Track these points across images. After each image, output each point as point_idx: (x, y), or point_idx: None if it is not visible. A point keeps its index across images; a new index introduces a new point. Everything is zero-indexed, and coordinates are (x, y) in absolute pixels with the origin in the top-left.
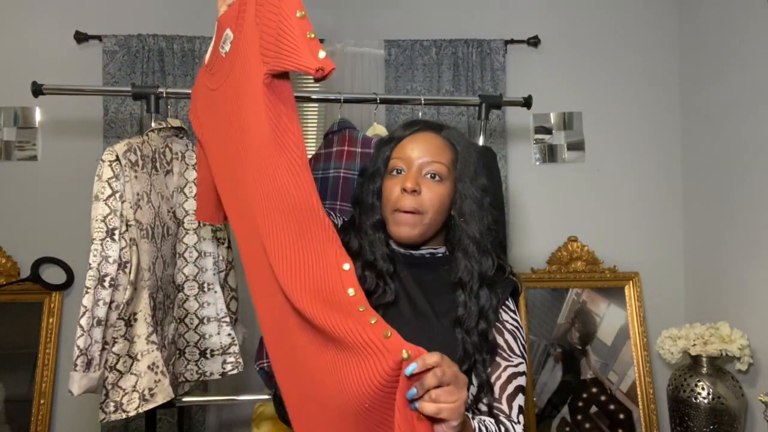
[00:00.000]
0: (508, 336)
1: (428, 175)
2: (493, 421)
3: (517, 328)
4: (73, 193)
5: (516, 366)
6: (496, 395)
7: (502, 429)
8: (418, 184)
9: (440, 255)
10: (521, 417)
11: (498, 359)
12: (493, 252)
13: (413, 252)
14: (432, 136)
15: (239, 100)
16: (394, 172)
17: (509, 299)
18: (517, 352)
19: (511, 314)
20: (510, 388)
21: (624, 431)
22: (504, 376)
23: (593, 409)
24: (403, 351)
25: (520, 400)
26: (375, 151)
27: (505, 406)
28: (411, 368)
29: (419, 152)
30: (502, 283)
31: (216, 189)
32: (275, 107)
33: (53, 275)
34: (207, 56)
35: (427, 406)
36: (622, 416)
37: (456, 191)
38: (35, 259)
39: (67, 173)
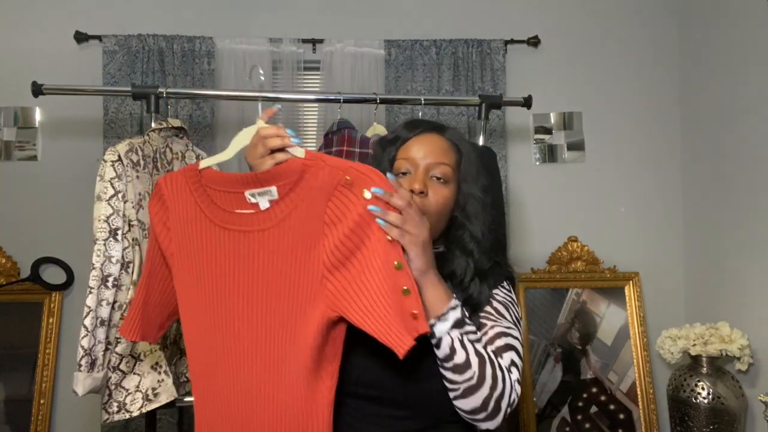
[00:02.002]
0: (497, 305)
1: (434, 177)
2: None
3: (510, 302)
4: (73, 193)
5: (506, 328)
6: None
7: (478, 346)
8: (425, 186)
9: (439, 252)
10: (515, 369)
11: (485, 321)
12: (492, 252)
13: None
14: (437, 138)
15: (274, 280)
16: (400, 174)
17: (505, 282)
18: (509, 318)
19: (505, 291)
20: (499, 342)
21: (624, 431)
22: (491, 332)
23: (593, 409)
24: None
25: (512, 356)
26: (377, 150)
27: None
28: (378, 190)
29: (425, 154)
30: (495, 275)
31: (156, 304)
32: (323, 336)
33: (53, 275)
34: (204, 164)
35: (392, 231)
36: (622, 416)
37: (460, 192)
38: (35, 259)
39: (67, 173)
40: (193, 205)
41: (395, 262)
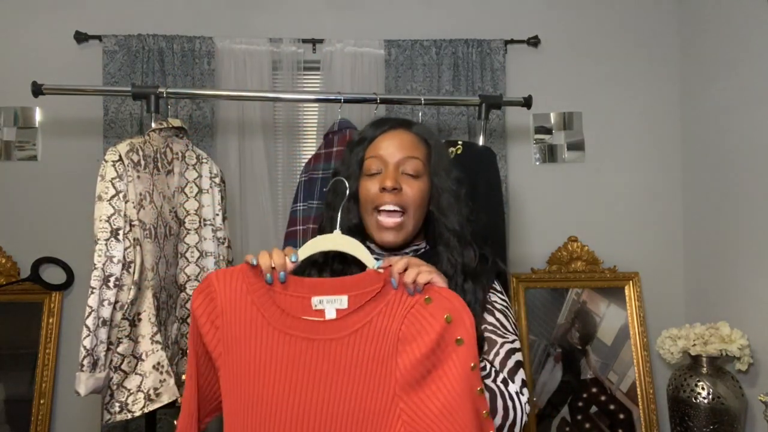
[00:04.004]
0: (499, 315)
1: (406, 173)
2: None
3: (506, 308)
4: (73, 193)
5: (512, 342)
6: (498, 370)
7: (493, 374)
8: (398, 182)
9: (422, 251)
10: (525, 390)
11: (493, 336)
12: (474, 243)
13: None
14: (404, 133)
15: (352, 390)
16: (371, 173)
17: (495, 282)
18: (510, 329)
19: (499, 295)
20: (510, 363)
21: (624, 431)
22: (502, 352)
23: (593, 409)
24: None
25: (522, 374)
26: (345, 153)
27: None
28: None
29: (394, 150)
30: (486, 272)
31: (196, 401)
32: None
33: (53, 275)
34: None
35: (420, 277)
36: (622, 416)
37: (433, 186)
38: (35, 259)
39: (67, 173)
40: (249, 306)
41: (471, 365)
